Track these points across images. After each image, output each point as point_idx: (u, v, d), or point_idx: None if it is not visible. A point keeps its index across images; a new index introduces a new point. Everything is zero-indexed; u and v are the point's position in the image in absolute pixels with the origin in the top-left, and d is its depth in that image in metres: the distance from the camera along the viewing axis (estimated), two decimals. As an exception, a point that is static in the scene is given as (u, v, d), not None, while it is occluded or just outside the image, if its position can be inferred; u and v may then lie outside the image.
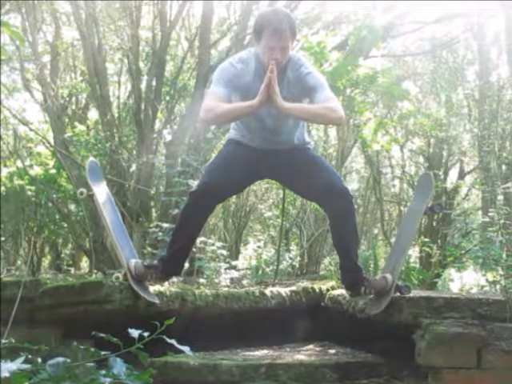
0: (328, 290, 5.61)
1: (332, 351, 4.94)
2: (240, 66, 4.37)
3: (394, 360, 4.36)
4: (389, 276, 4.38)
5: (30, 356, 2.57)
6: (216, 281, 6.12)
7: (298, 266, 9.64)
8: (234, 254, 10.60)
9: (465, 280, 9.07)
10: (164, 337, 2.64)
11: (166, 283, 4.90)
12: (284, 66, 4.30)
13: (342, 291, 5.09)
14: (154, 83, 9.93)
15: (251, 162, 4.49)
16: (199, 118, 4.38)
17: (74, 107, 12.87)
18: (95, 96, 10.17)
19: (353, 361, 4.46)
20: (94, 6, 9.89)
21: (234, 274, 6.56)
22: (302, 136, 4.62)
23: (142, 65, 10.53)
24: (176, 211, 6.41)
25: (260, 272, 7.49)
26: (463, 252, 9.66)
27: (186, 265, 5.34)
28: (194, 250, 5.75)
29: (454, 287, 9.26)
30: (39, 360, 2.55)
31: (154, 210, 9.90)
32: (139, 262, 4.52)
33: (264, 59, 4.26)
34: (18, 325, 3.71)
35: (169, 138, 10.01)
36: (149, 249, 7.34)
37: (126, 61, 10.95)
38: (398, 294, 4.31)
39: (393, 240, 11.17)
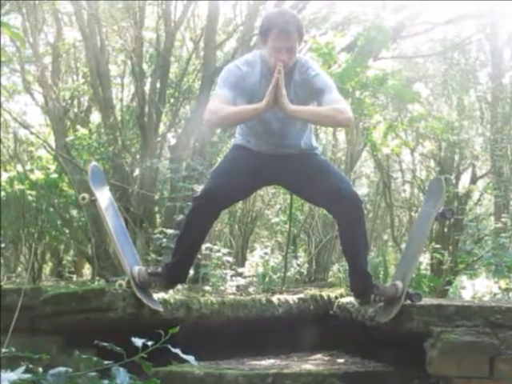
0: (337, 298, 5.52)
1: (341, 360, 4.84)
2: (246, 69, 4.28)
3: (404, 369, 4.25)
4: (399, 283, 4.27)
5: (30, 365, 2.51)
6: (222, 288, 6.05)
7: (305, 272, 9.59)
8: (240, 260, 10.54)
9: (477, 287, 8.98)
10: (168, 346, 2.59)
11: (171, 291, 4.81)
12: (291, 68, 4.19)
13: (350, 299, 4.99)
14: (158, 85, 9.91)
15: (257, 167, 4.39)
16: (204, 121, 4.30)
17: (75, 110, 12.88)
18: (98, 98, 10.16)
19: (362, 370, 4.35)
20: (96, 6, 9.87)
21: (241, 281, 6.49)
22: (309, 140, 4.52)
23: (145, 66, 10.52)
24: (181, 217, 6.34)
25: (267, 279, 7.38)
26: (475, 259, 9.58)
27: (191, 272, 5.28)
28: (199, 256, 5.68)
29: (466, 295, 9.17)
30: (40, 369, 2.51)
31: (158, 216, 9.86)
32: (143, 269, 4.43)
33: (270, 61, 4.16)
34: (18, 333, 3.58)
35: (173, 141, 9.97)
36: (153, 255, 7.28)
37: (129, 62, 10.94)
38: (409, 301, 4.20)
39: (403, 246, 11.09)
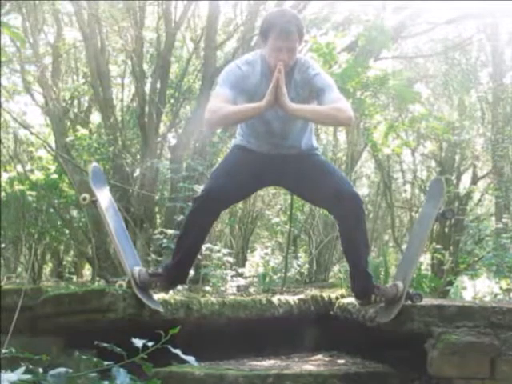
0: (337, 299, 5.50)
1: (341, 361, 4.81)
2: (246, 68, 4.27)
3: (405, 370, 4.23)
4: (400, 284, 4.25)
5: (31, 366, 2.50)
6: (222, 289, 6.04)
7: (306, 273, 9.57)
8: (241, 261, 10.52)
9: (478, 288, 8.99)
10: (169, 346, 2.58)
11: (171, 291, 4.80)
12: (291, 67, 4.20)
13: (351, 299, 4.97)
14: (158, 85, 9.90)
15: (257, 167, 4.38)
16: (204, 120, 4.29)
17: (76, 110, 12.84)
18: (98, 99, 10.16)
19: (363, 371, 4.31)
20: (96, 7, 9.86)
21: (241, 281, 6.47)
22: (309, 141, 4.51)
23: (145, 67, 10.50)
24: (181, 217, 6.32)
25: (267, 280, 7.36)
26: (476, 259, 9.55)
27: (192, 272, 5.27)
28: (199, 257, 5.67)
29: (467, 295, 9.17)
30: (40, 370, 2.50)
31: (158, 216, 9.84)
32: (143, 270, 4.42)
33: (270, 61, 4.16)
34: (18, 334, 3.63)
35: (173, 141, 9.98)
36: (153, 256, 7.25)
37: (129, 62, 10.94)
38: (410, 302, 4.19)
39: (404, 247, 11.05)
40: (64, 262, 12.85)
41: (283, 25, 4.09)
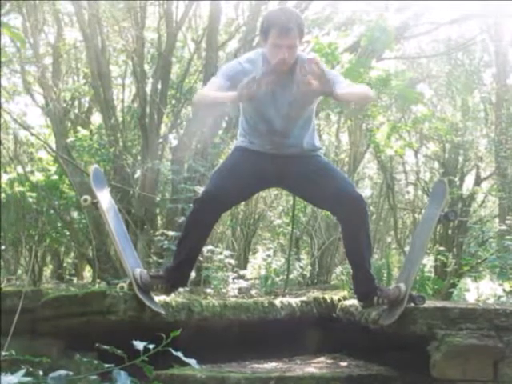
0: (340, 301, 5.51)
1: (344, 364, 4.82)
2: (247, 66, 4.28)
3: (407, 372, 4.23)
4: (402, 285, 4.25)
5: (31, 368, 2.60)
6: (224, 291, 6.05)
7: (308, 275, 9.55)
8: (243, 263, 10.53)
9: (481, 290, 8.96)
10: (170, 349, 2.58)
11: (172, 293, 4.77)
12: (292, 65, 4.19)
13: (354, 301, 4.98)
14: (159, 86, 9.83)
15: (259, 169, 4.37)
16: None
17: (76, 111, 12.86)
18: (98, 99, 10.09)
19: (365, 373, 4.34)
20: (97, 7, 9.82)
21: (243, 283, 6.46)
22: (311, 141, 4.49)
23: (146, 67, 10.46)
24: (182, 219, 6.30)
25: (269, 282, 7.37)
26: (479, 261, 9.54)
27: (193, 274, 5.25)
28: (200, 259, 5.66)
29: (470, 297, 9.14)
30: (41, 373, 2.55)
31: (159, 218, 9.79)
32: (144, 272, 4.42)
33: (271, 59, 4.16)
34: (18, 336, 3.64)
35: (175, 142, 9.97)
36: (154, 258, 7.23)
37: (130, 63, 10.90)
38: (412, 304, 4.18)
39: (407, 249, 11.03)
40: (64, 264, 12.87)
41: (283, 23, 4.10)
